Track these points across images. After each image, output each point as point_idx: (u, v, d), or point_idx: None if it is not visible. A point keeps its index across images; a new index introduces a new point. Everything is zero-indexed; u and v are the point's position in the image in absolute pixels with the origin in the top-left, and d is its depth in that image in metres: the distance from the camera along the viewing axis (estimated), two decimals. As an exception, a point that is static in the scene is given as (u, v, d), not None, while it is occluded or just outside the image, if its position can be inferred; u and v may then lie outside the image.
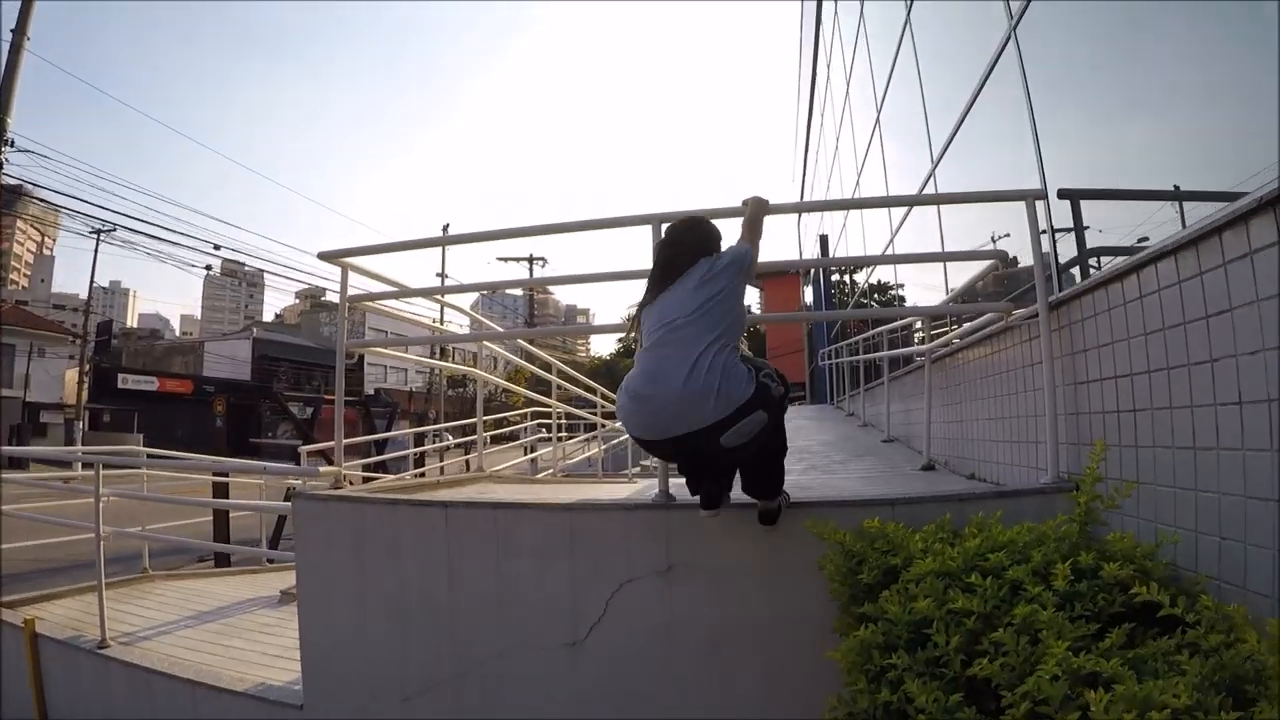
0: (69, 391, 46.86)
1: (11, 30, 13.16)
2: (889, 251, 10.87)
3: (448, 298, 6.94)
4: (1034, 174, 4.84)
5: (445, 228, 47.14)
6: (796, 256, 30.52)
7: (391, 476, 9.47)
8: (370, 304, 5.73)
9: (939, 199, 7.72)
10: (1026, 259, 4.70)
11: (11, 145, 13.78)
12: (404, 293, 5.67)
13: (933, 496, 3.97)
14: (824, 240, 21.73)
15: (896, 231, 10.24)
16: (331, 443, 5.42)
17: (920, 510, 3.74)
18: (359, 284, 5.49)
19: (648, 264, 4.07)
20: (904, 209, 9.87)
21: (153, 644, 6.50)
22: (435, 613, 4.41)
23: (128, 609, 7.58)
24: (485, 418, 8.67)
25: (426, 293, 5.49)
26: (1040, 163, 4.84)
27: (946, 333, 7.17)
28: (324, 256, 5.27)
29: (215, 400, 20.50)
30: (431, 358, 48.35)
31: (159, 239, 50.96)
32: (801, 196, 29.00)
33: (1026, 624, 2.42)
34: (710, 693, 3.91)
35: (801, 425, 12.79)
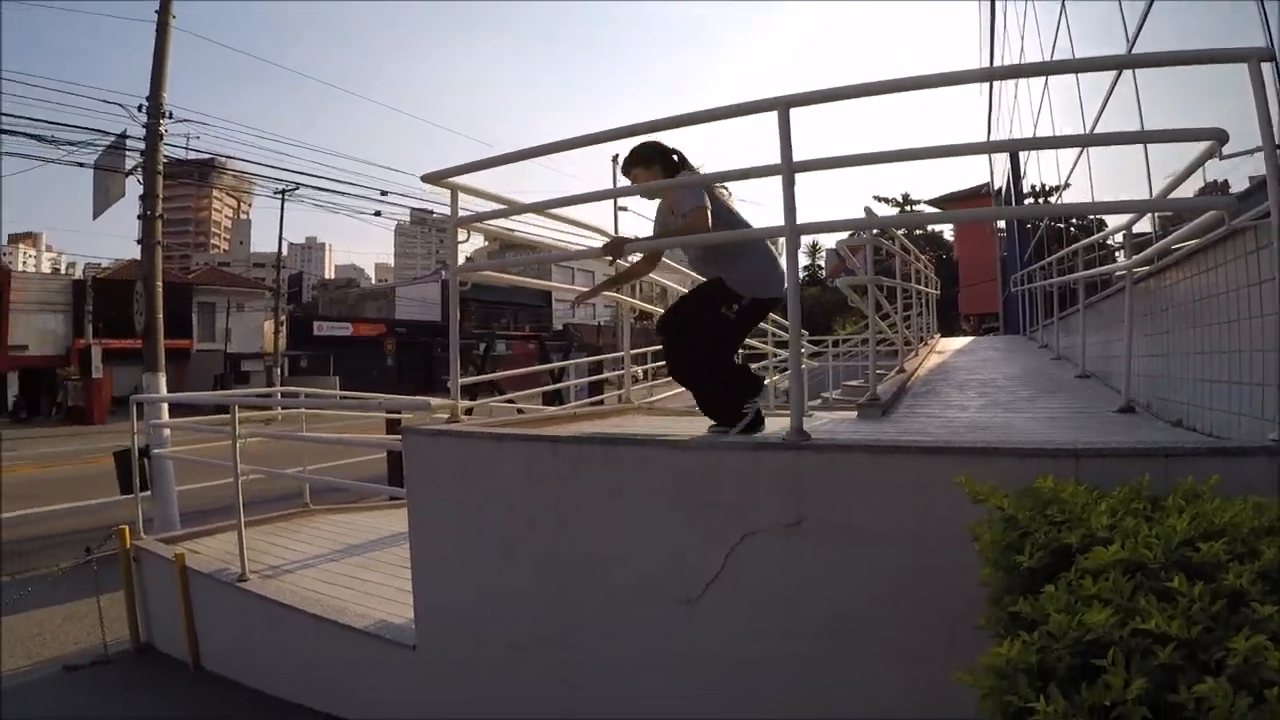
0: (268, 341, 50.52)
1: (156, 11, 13.77)
2: (1079, 165, 10.00)
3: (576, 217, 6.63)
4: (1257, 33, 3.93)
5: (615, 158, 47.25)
6: (985, 176, 29.13)
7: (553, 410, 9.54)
8: (482, 226, 5.64)
9: (1136, 60, 6.32)
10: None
11: (170, 117, 14.52)
12: (515, 209, 5.49)
13: (1129, 449, 3.15)
14: (1015, 158, 20.63)
15: (1096, 120, 9.26)
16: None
17: (1111, 466, 3.00)
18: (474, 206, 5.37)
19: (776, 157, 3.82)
20: (1096, 112, 8.97)
21: (293, 578, 6.79)
22: (543, 557, 4.24)
23: (281, 542, 7.98)
24: (646, 349, 8.63)
25: (540, 206, 5.28)
26: (1266, 21, 3.93)
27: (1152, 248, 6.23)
28: (429, 179, 5.11)
29: (386, 341, 21.34)
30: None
31: (336, 191, 53.42)
32: (989, 128, 27.32)
33: (1251, 666, 1.64)
34: (831, 670, 3.52)
35: (989, 357, 12.11)
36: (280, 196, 41.06)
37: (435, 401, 5.32)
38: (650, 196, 5.31)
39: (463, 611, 4.72)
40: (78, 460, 25.89)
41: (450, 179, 5.09)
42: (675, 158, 4.73)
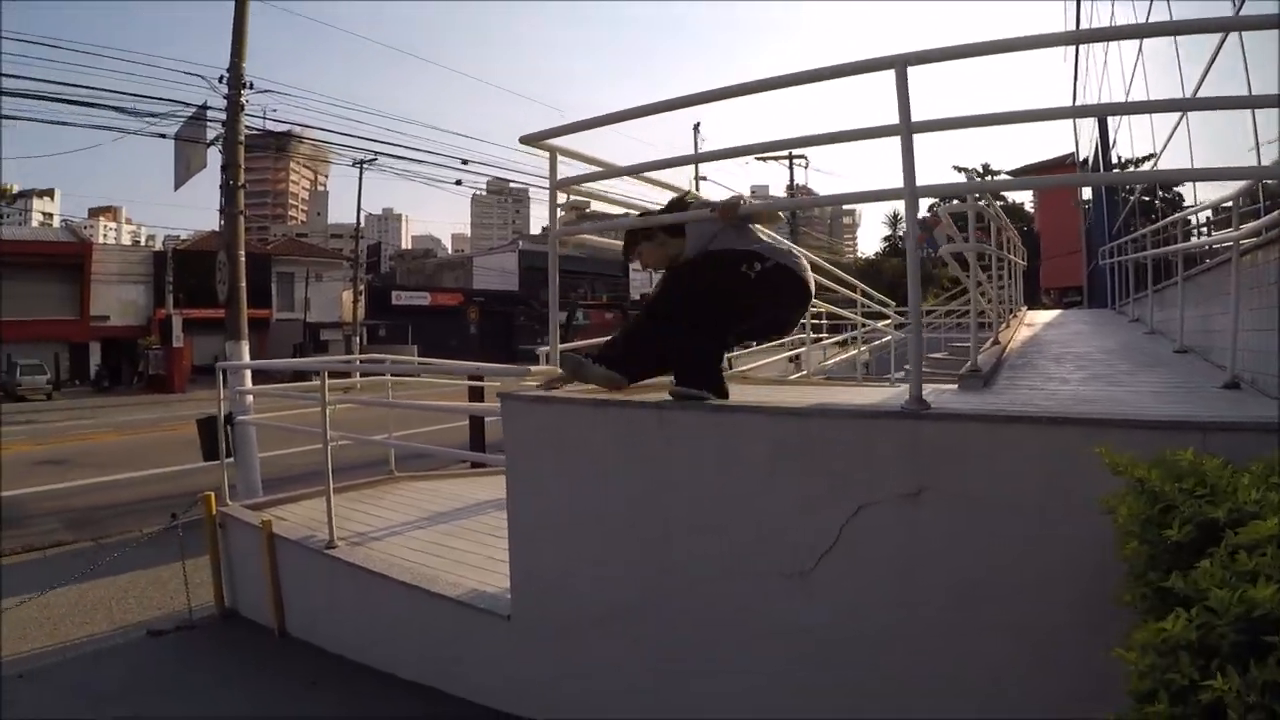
0: (346, 311, 51.94)
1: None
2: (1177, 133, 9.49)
3: (672, 179, 6.44)
4: None
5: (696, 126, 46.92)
6: (1068, 147, 28.35)
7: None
8: (580, 189, 5.47)
9: (1244, 23, 5.91)
10: None
11: (250, 87, 14.69)
12: (614, 172, 5.32)
13: (1254, 424, 2.93)
14: (1104, 126, 19.91)
15: (1198, 86, 8.77)
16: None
17: (1240, 441, 2.78)
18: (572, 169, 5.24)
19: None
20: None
21: (380, 545, 6.77)
22: (646, 528, 4.13)
23: (367, 509, 7.98)
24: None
25: (642, 169, 5.10)
26: None
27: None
28: (527, 140, 5.00)
29: (470, 310, 21.46)
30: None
31: (415, 160, 53.79)
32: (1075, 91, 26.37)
33: None
34: (954, 649, 3.37)
35: (1079, 330, 11.79)
36: (359, 166, 42.02)
37: (534, 368, 5.17)
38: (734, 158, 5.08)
39: (561, 581, 4.64)
40: (158, 428, 26.55)
41: (549, 141, 4.99)
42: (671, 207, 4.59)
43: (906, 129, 3.60)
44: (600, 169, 5.32)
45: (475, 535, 6.92)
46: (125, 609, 8.79)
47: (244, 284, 13.47)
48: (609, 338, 4.79)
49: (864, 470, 3.54)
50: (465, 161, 31.70)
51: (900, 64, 3.60)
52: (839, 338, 14.10)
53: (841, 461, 3.60)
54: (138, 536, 12.38)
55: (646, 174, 5.32)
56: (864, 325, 12.77)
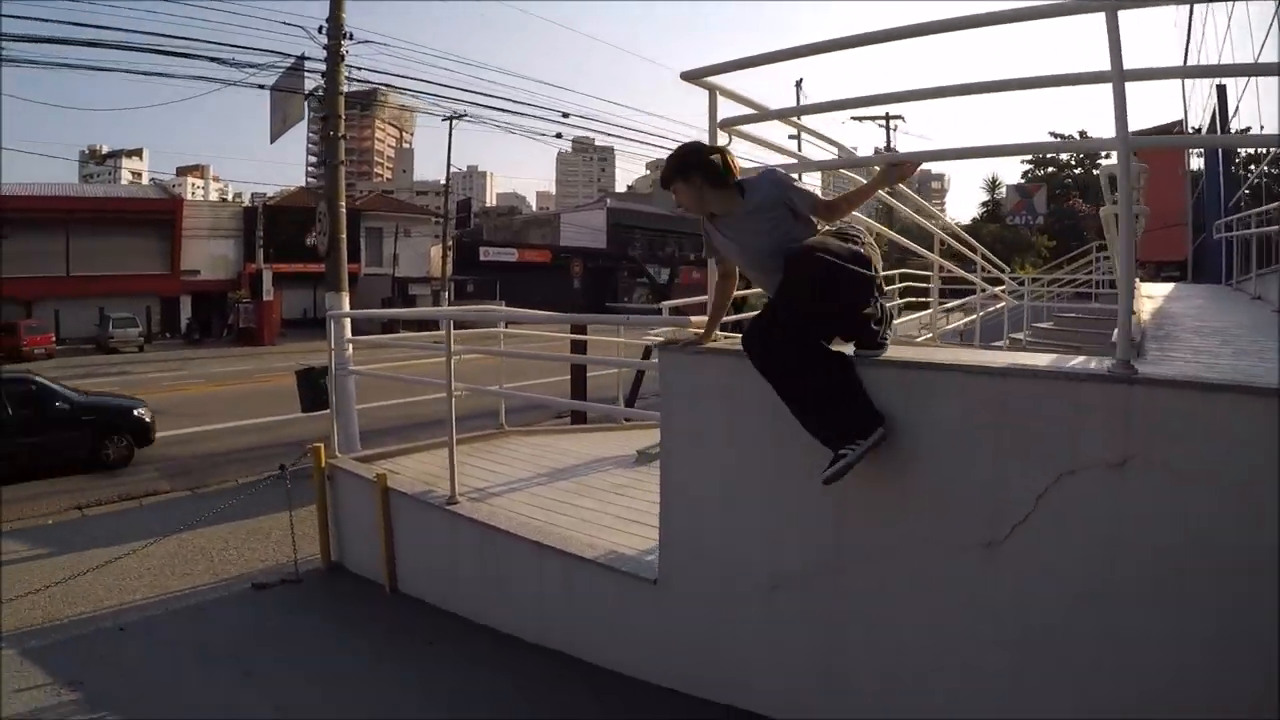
0: (434, 266, 53.01)
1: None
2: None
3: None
4: None
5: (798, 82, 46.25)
6: (1180, 113, 27.21)
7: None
8: (743, 129, 5.09)
9: None
10: None
11: (350, 39, 14.66)
12: (786, 112, 5.02)
13: None
14: (1221, 92, 18.82)
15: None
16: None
17: None
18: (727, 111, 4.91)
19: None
20: None
21: (502, 501, 6.59)
22: (816, 491, 3.74)
23: (481, 464, 7.81)
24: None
25: (816, 109, 4.78)
26: None
27: None
28: (687, 76, 4.77)
29: (573, 263, 21.41)
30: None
31: (510, 112, 53.81)
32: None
33: None
34: (1158, 632, 3.11)
35: (1202, 305, 11.16)
36: (449, 121, 42.01)
37: (695, 319, 4.82)
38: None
39: (718, 545, 4.41)
40: (250, 379, 26.94)
41: (708, 79, 4.74)
42: (716, 158, 4.03)
43: (1119, 76, 3.32)
44: (757, 111, 5.07)
45: (600, 493, 6.69)
46: (226, 560, 8.76)
47: (344, 235, 13.40)
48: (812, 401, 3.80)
49: (1067, 436, 3.27)
50: (565, 115, 31.29)
51: (1111, 8, 3.31)
52: (958, 302, 13.63)
53: (1042, 425, 3.34)
54: (231, 486, 12.46)
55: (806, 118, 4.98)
56: (983, 290, 12.36)
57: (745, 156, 4.83)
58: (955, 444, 3.53)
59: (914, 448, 3.61)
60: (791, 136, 9.99)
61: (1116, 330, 3.41)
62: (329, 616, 6.95)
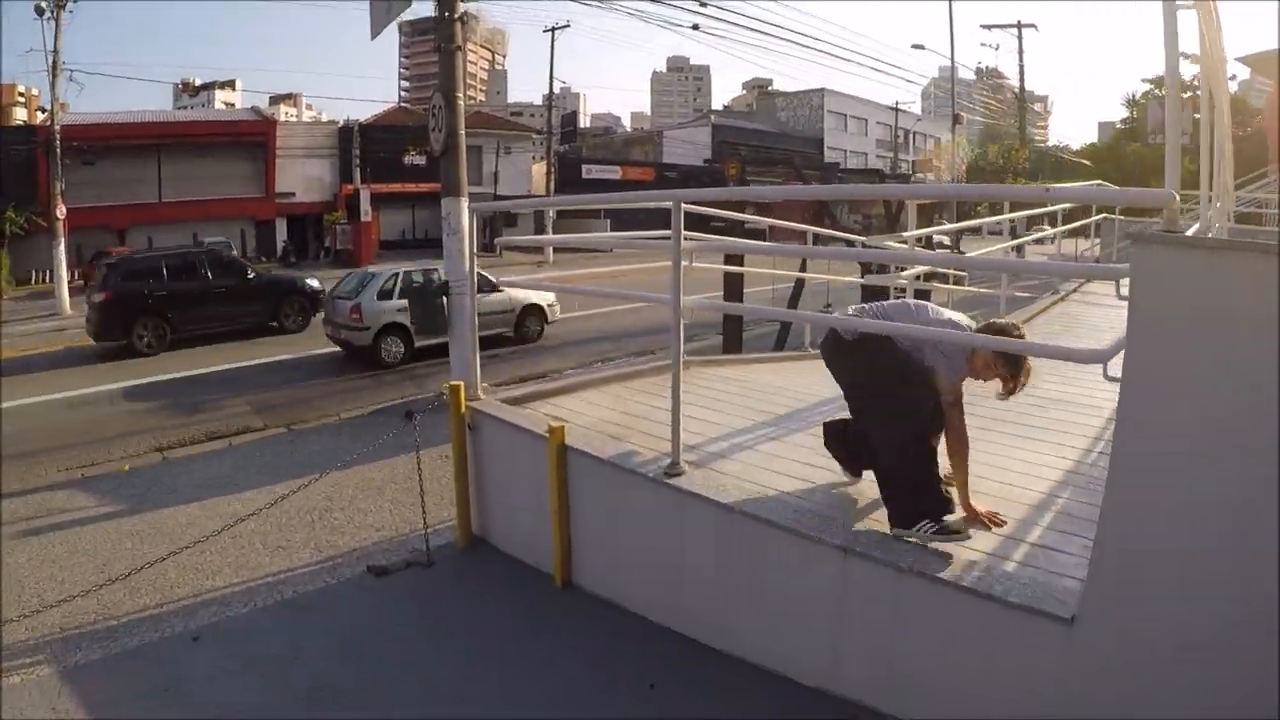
0: (536, 184, 52.12)
1: None
2: None
3: None
4: None
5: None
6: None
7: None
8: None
9: None
10: None
11: None
12: None
13: None
14: None
15: None
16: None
17: None
18: None
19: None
20: None
21: (734, 466, 4.71)
22: None
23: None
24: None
25: None
26: None
27: None
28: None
29: (727, 164, 20.32)
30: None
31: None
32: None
33: None
34: None
35: None
36: (551, 33, 42.54)
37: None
38: None
39: (1191, 570, 2.69)
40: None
41: None
42: None
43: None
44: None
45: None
46: (330, 525, 6.84)
47: (463, 132, 11.54)
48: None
49: None
50: (695, 27, 29.75)
51: None
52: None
53: None
54: (337, 422, 10.80)
55: None
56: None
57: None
58: None
59: None
60: None
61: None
62: (479, 620, 5.03)
